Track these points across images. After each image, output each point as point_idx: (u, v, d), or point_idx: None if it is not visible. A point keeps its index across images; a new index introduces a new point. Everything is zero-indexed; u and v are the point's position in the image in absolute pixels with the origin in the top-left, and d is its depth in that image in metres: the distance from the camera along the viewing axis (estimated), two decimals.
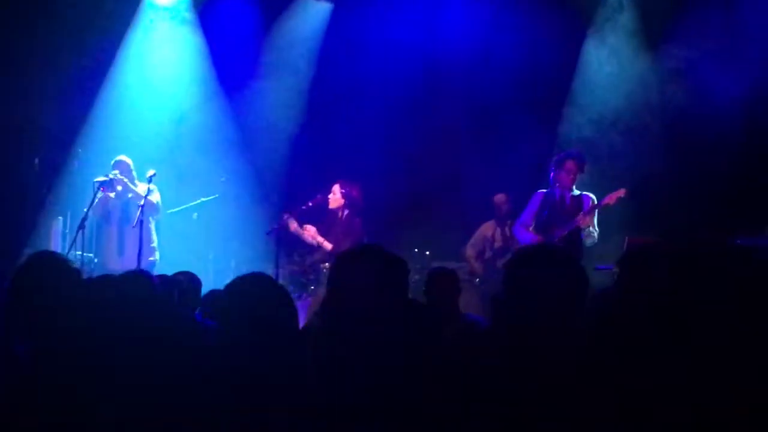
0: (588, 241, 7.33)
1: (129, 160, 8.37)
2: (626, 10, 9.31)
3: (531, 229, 7.58)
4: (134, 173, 8.37)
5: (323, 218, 8.01)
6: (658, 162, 8.81)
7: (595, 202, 7.43)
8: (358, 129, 9.78)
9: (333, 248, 7.68)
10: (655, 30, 9.13)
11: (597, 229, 7.43)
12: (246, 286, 2.75)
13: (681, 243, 2.20)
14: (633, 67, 9.26)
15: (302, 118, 10.06)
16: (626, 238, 7.37)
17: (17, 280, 3.36)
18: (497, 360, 2.43)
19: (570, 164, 7.44)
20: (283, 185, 9.80)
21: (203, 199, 9.10)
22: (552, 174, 7.49)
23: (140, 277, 3.22)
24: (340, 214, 7.90)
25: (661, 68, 9.09)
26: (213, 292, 4.99)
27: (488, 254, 8.55)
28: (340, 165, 8.74)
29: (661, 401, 1.99)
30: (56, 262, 3.49)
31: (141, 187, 8.19)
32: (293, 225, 7.86)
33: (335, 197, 7.91)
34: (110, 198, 8.25)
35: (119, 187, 8.16)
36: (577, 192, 7.54)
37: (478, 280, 8.45)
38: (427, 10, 9.88)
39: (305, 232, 7.91)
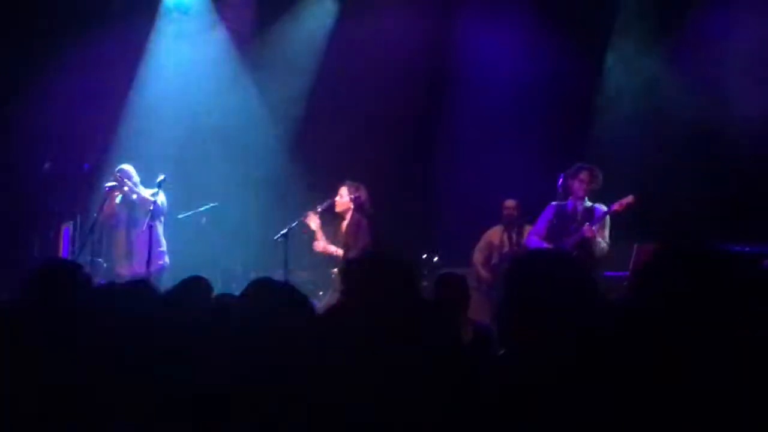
0: (597, 252, 7.39)
1: (131, 168, 8.38)
2: (644, 19, 9.25)
3: (543, 239, 7.67)
4: (136, 179, 8.37)
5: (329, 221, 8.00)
6: (673, 169, 8.78)
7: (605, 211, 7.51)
8: (365, 132, 9.78)
9: (343, 253, 7.63)
10: (674, 37, 9.07)
11: (608, 240, 7.50)
12: (263, 292, 2.75)
13: (688, 249, 2.18)
14: (651, 75, 9.21)
15: (310, 121, 10.06)
16: (635, 245, 7.37)
17: (29, 290, 3.35)
18: (506, 364, 2.44)
19: (584, 174, 7.53)
20: (291, 188, 9.78)
21: (207, 206, 9.07)
22: (560, 182, 7.53)
23: (146, 286, 3.19)
24: (347, 216, 7.89)
25: (679, 76, 9.04)
26: (225, 296, 4.98)
27: (495, 260, 8.54)
28: (347, 168, 8.73)
29: (671, 412, 1.99)
30: (68, 270, 3.49)
31: (147, 192, 8.21)
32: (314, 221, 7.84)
33: (342, 200, 7.89)
34: (116, 202, 8.27)
35: (125, 188, 8.18)
36: (589, 204, 7.61)
37: (485, 286, 8.43)
38: (438, 17, 9.89)
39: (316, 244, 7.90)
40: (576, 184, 7.52)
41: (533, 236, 7.78)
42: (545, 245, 7.49)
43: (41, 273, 3.44)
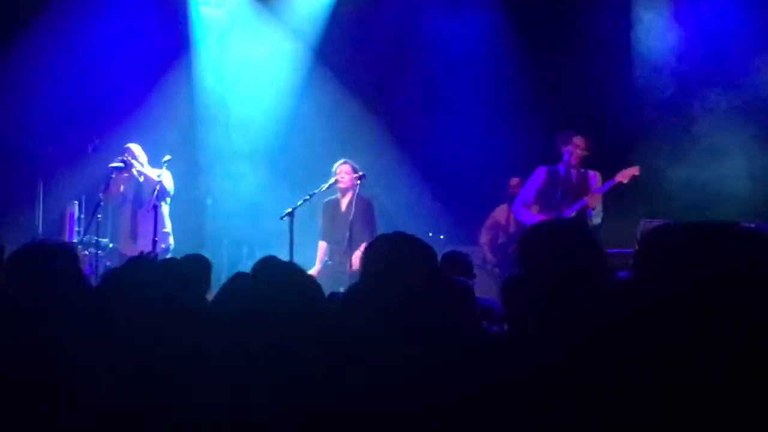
0: (595, 221, 7.18)
1: (138, 147, 8.35)
2: None
3: (534, 208, 7.45)
4: (143, 159, 8.33)
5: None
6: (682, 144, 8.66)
7: (600, 180, 7.29)
8: (370, 112, 9.75)
9: (349, 233, 7.59)
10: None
11: (602, 210, 7.28)
12: (270, 271, 2.73)
13: (695, 225, 2.15)
14: (667, 42, 8.96)
15: (314, 101, 10.02)
16: (642, 221, 7.29)
17: (9, 272, 3.07)
18: (514, 344, 2.43)
19: (578, 139, 7.31)
20: (295, 169, 9.74)
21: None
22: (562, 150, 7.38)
23: (142, 263, 3.11)
24: (349, 195, 7.87)
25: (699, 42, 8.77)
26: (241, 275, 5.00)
27: (501, 239, 8.53)
28: (353, 148, 8.70)
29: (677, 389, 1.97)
30: (51, 250, 3.15)
31: (154, 172, 8.19)
32: None
33: (346, 179, 7.85)
34: (123, 183, 8.25)
35: (134, 170, 8.16)
36: (582, 169, 7.40)
37: (491, 265, 8.42)
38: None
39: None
40: (569, 149, 7.29)
41: (521, 206, 7.51)
42: (536, 216, 7.29)
43: (16, 260, 3.09)
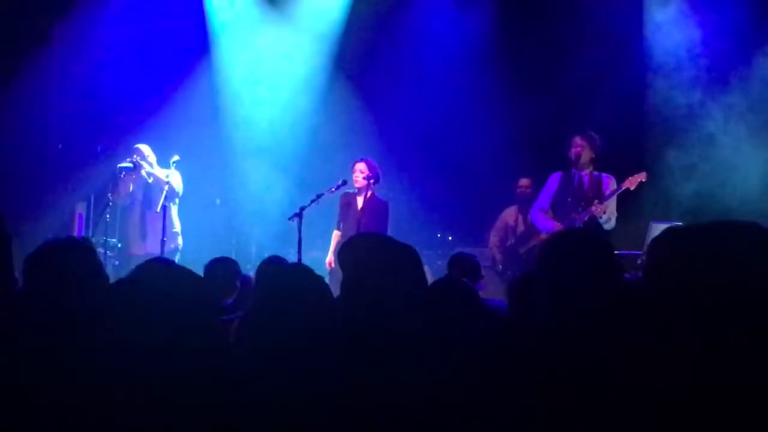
0: (607, 226, 7.16)
1: (147, 148, 8.37)
2: None
3: (550, 214, 7.45)
4: (152, 159, 8.36)
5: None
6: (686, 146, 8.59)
7: (615, 184, 7.27)
8: (379, 112, 9.74)
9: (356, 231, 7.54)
10: None
11: (615, 213, 7.26)
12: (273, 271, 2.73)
13: (710, 225, 2.12)
14: (681, 43, 8.83)
15: (323, 100, 10.02)
16: (651, 223, 7.26)
17: (32, 268, 3.02)
18: (521, 345, 2.41)
19: (578, 138, 7.30)
20: (305, 169, 9.75)
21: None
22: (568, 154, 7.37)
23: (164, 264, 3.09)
24: (364, 194, 7.80)
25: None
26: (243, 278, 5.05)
27: (510, 241, 8.49)
28: (361, 148, 8.69)
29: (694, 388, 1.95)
30: (73, 248, 3.12)
31: (162, 172, 8.22)
32: None
33: (360, 176, 7.79)
34: (132, 183, 8.28)
35: (143, 172, 8.19)
36: (596, 173, 7.36)
37: (500, 267, 8.40)
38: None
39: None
40: (573, 151, 7.28)
41: (538, 211, 7.53)
42: (552, 223, 7.29)
43: (40, 258, 3.04)
